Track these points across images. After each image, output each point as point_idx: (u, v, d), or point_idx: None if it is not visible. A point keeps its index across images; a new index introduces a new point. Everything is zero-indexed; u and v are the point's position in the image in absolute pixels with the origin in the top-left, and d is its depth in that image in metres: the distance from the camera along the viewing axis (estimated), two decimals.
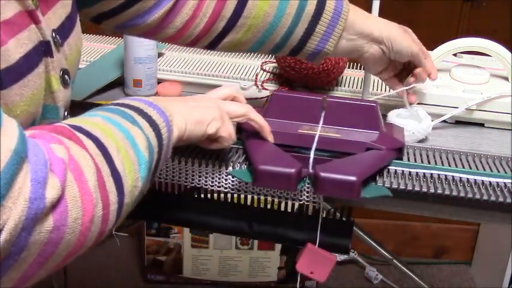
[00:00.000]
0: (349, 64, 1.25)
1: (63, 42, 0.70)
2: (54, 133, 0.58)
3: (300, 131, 0.89)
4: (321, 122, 0.90)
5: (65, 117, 0.72)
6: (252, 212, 0.91)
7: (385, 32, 0.95)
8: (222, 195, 0.90)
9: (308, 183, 0.82)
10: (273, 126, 0.88)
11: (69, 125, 0.61)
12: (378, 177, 0.85)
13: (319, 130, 0.88)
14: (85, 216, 0.55)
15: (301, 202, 0.86)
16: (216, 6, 0.91)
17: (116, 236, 0.95)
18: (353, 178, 0.77)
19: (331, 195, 0.79)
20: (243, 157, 0.88)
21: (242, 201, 0.91)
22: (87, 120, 0.64)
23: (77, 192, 0.55)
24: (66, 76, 0.70)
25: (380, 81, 1.19)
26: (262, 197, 0.88)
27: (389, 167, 0.88)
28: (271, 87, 1.14)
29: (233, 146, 0.88)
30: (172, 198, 0.92)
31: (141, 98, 0.73)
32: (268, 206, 0.91)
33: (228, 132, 0.80)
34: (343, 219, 0.89)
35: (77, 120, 0.63)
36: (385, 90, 1.14)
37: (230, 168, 0.86)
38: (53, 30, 0.68)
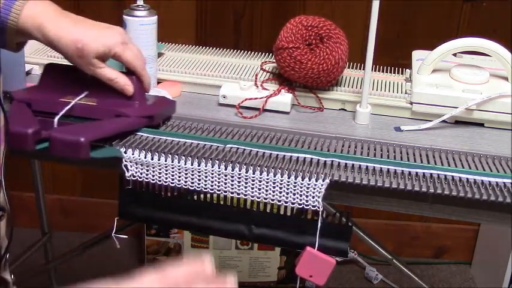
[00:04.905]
0: (349, 64, 1.25)
1: None
2: None
3: (60, 99, 0.94)
4: (85, 92, 0.96)
5: None
6: (252, 215, 0.91)
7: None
8: (221, 197, 0.90)
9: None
10: (39, 95, 0.95)
11: None
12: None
13: (76, 99, 0.94)
14: None
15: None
16: None
17: (115, 238, 0.95)
18: (80, 139, 0.84)
19: (62, 154, 0.86)
20: None
21: (242, 204, 0.91)
22: None
23: None
24: None
25: (380, 81, 1.19)
26: (262, 200, 0.88)
27: (389, 167, 0.88)
28: (271, 87, 1.14)
29: None
30: (171, 200, 0.92)
31: None
32: (268, 210, 0.91)
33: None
34: (342, 223, 0.89)
35: None
36: (386, 90, 1.14)
37: None
38: None
